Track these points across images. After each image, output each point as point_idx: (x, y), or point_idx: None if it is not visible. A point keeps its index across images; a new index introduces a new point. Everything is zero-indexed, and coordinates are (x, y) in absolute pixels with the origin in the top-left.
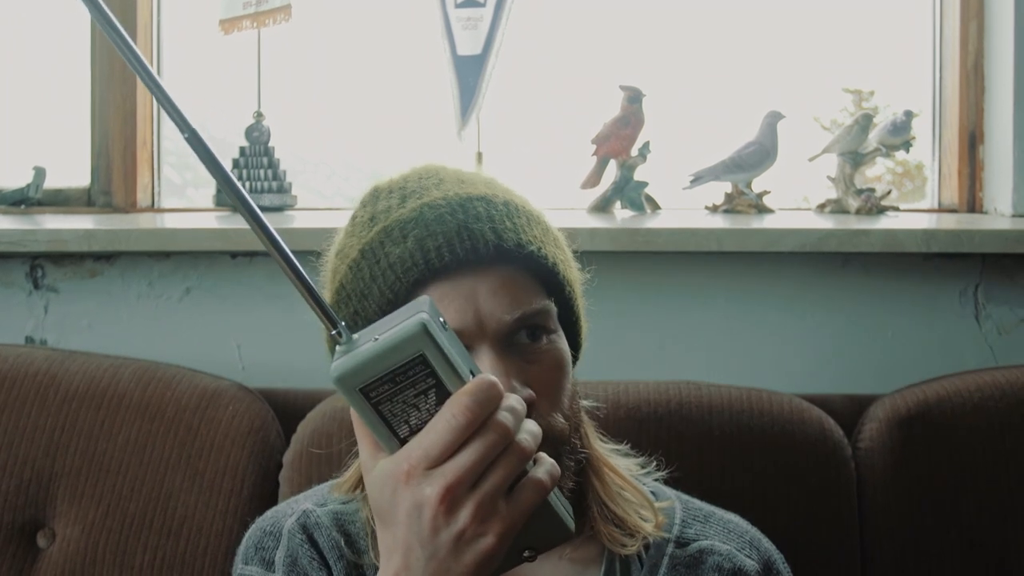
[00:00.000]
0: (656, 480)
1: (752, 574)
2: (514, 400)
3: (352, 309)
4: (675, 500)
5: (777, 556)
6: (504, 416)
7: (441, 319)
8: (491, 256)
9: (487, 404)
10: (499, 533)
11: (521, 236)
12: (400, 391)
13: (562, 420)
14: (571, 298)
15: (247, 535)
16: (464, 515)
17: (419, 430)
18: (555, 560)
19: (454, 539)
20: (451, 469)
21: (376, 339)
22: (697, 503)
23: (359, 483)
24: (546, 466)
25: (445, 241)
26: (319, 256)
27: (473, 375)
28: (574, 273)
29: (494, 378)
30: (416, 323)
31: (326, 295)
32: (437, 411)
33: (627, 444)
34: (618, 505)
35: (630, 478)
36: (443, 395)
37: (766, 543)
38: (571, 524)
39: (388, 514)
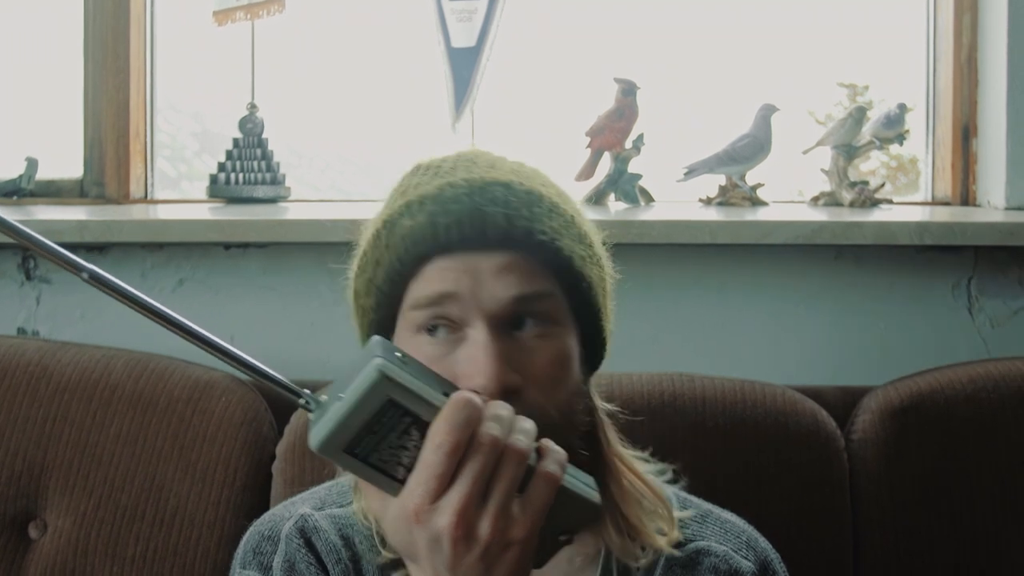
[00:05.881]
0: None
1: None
2: (498, 407)
3: (367, 276)
4: (672, 499)
5: (774, 556)
6: (490, 427)
7: (398, 353)
8: (499, 240)
9: (467, 422)
10: (521, 538)
11: (535, 225)
12: (383, 438)
13: (554, 413)
14: (589, 294)
15: (244, 539)
16: (483, 533)
17: (414, 467)
18: (553, 560)
19: (479, 559)
20: (455, 496)
21: (341, 397)
22: (694, 501)
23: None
24: (552, 455)
25: (455, 220)
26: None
27: (448, 396)
28: (597, 271)
29: (468, 393)
30: (373, 370)
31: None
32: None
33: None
34: (635, 514)
35: (652, 483)
36: (424, 428)
37: (763, 543)
38: (595, 498)
39: (410, 553)
